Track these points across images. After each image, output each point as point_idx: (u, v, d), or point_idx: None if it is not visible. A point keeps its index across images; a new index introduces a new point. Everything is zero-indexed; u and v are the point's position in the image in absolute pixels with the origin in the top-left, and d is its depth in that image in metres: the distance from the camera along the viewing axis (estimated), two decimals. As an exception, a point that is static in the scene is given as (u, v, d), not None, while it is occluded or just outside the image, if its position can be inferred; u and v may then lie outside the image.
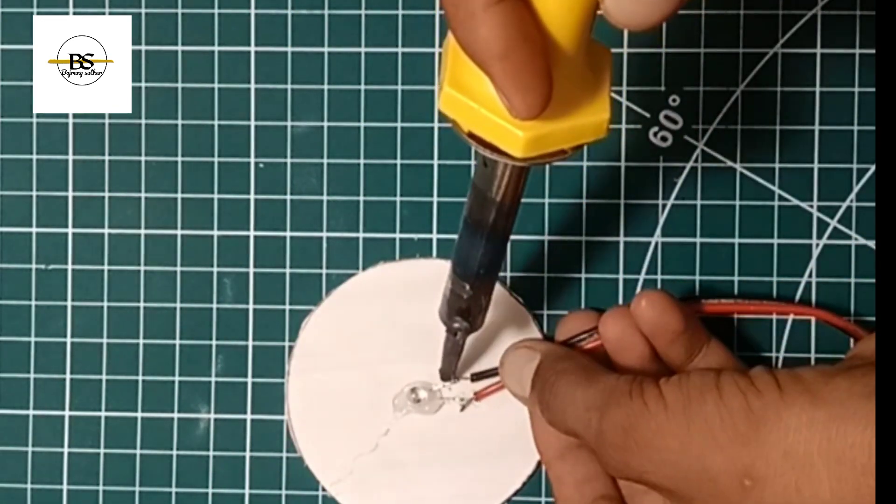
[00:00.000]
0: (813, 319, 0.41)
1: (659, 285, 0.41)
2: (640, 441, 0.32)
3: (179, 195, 0.42)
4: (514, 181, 0.31)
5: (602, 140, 0.29)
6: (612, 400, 0.33)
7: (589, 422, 0.34)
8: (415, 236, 0.42)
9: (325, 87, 0.42)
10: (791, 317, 0.41)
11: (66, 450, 0.43)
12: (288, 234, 0.42)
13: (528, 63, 0.26)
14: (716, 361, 0.38)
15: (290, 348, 0.42)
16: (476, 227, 0.33)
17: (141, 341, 0.42)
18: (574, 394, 0.35)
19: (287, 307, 0.42)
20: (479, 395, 0.41)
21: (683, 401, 0.32)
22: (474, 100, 0.28)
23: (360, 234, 0.42)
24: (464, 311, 0.37)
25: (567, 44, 0.27)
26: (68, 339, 0.43)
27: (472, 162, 0.41)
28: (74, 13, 0.43)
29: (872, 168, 0.41)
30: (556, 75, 0.27)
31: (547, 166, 0.41)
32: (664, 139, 0.41)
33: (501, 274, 0.41)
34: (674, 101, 0.41)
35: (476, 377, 0.41)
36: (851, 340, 0.40)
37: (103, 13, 0.43)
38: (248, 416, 0.42)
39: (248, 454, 0.42)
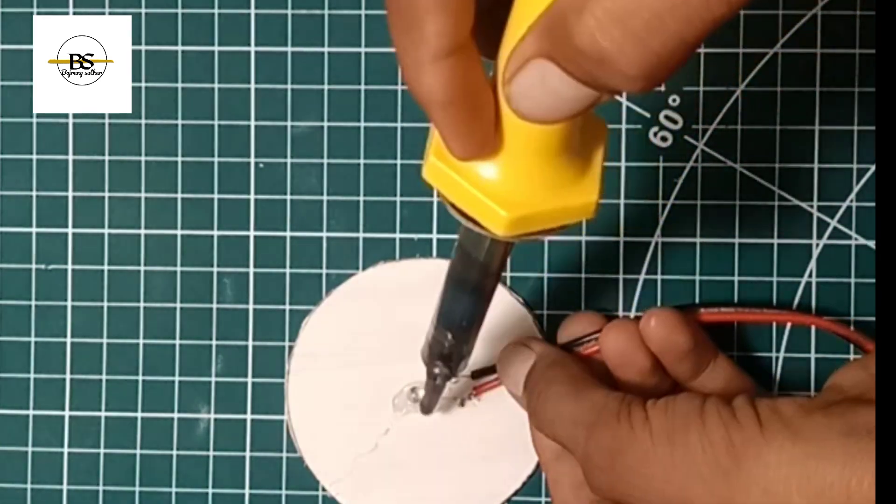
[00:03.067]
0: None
1: (659, 285, 0.41)
2: (626, 466, 0.32)
3: (179, 195, 0.42)
4: (500, 250, 0.31)
5: (590, 220, 0.29)
6: (600, 419, 0.33)
7: (576, 438, 0.33)
8: (415, 236, 0.42)
9: (325, 87, 0.42)
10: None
11: (66, 450, 0.43)
12: (288, 234, 0.42)
13: (467, 114, 0.27)
14: (722, 377, 0.38)
15: (290, 348, 0.42)
16: (460, 284, 0.33)
17: (141, 341, 0.42)
18: (562, 406, 0.35)
19: (287, 307, 0.42)
20: (477, 390, 0.41)
21: (668, 428, 0.32)
22: (459, 173, 0.27)
23: (360, 234, 0.42)
24: (445, 357, 0.37)
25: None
26: (68, 339, 0.43)
27: (472, 162, 0.41)
28: (74, 13, 0.43)
29: (872, 168, 0.41)
30: (540, 152, 0.27)
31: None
32: (664, 139, 0.41)
33: (502, 274, 0.41)
34: (674, 101, 0.41)
35: (477, 374, 0.41)
36: (852, 346, 0.40)
37: (103, 13, 0.42)
38: (248, 416, 0.42)
39: (248, 454, 0.42)
